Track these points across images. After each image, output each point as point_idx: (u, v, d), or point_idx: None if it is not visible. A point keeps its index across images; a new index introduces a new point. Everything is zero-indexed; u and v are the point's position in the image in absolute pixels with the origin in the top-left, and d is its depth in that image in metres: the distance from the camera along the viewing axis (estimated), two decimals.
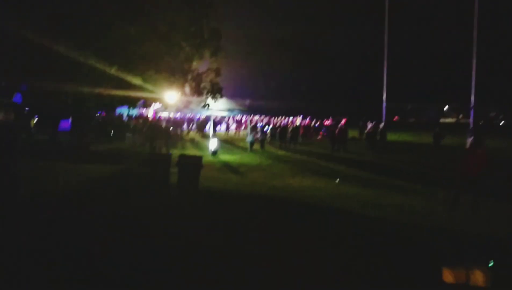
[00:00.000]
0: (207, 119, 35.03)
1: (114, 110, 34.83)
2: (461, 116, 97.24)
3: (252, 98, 45.04)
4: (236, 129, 36.50)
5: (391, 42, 29.38)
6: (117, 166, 14.32)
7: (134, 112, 33.17)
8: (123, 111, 34.31)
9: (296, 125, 29.38)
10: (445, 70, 76.84)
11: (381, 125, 26.79)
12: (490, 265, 5.44)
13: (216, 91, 16.99)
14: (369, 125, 27.76)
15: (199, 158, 9.34)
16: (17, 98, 23.82)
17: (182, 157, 9.33)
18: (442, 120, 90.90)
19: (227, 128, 35.60)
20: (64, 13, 13.80)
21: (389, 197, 10.86)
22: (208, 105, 17.15)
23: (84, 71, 14.34)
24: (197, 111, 21.23)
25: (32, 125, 22.23)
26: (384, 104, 27.15)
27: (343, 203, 9.85)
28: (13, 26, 13.57)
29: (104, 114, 27.73)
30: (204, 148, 23.27)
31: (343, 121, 31.43)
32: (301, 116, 38.54)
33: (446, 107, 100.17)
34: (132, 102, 16.34)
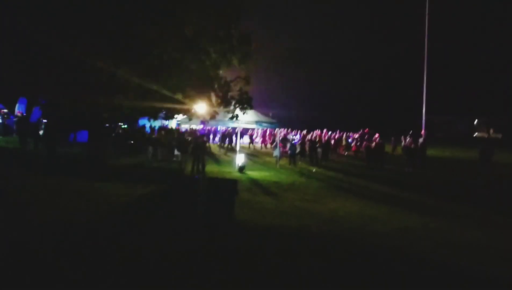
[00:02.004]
0: (231, 132, 33.49)
1: (137, 122, 33.83)
2: (492, 130, 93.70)
3: (277, 110, 43.48)
4: (261, 142, 34.79)
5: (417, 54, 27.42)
6: (133, 186, 12.58)
7: (156, 123, 31.89)
8: (146, 122, 33.15)
9: (327, 139, 27.45)
10: (475, 83, 73.92)
11: (421, 139, 24.61)
12: None
13: (245, 101, 15.32)
14: (406, 139, 25.73)
15: (234, 182, 7.47)
16: (21, 107, 22.87)
17: (213, 181, 7.55)
18: (473, 134, 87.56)
19: (251, 141, 33.94)
20: (78, 13, 12.47)
21: (456, 230, 8.96)
22: (237, 116, 15.47)
23: (101, 78, 12.93)
24: (223, 123, 19.57)
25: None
26: (424, 117, 24.99)
27: (411, 242, 7.97)
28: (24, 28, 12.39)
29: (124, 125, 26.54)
30: (228, 163, 21.66)
31: (376, 135, 29.41)
32: (325, 129, 36.54)
33: (476, 121, 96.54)
34: (153, 113, 14.80)
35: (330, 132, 35.21)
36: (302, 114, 60.74)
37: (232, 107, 15.39)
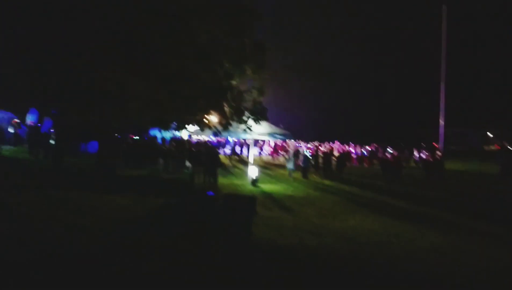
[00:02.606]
0: (242, 143, 33.02)
1: (148, 132, 33.50)
2: (505, 143, 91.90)
3: (288, 121, 42.94)
4: (271, 153, 34.24)
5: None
6: (142, 200, 12.06)
7: (167, 134, 31.53)
8: (157, 133, 32.81)
9: (341, 152, 26.80)
10: (487, 95, 72.78)
11: (438, 152, 23.83)
12: None
13: (259, 112, 14.82)
14: (421, 152, 25.07)
15: (252, 199, 6.84)
16: (32, 117, 22.67)
17: (229, 198, 6.92)
18: (486, 147, 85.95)
19: (261, 152, 33.46)
20: (89, 21, 12.17)
21: (491, 252, 8.24)
22: (250, 127, 14.96)
23: (111, 87, 12.55)
24: (236, 134, 19.07)
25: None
26: (442, 130, 24.22)
27: (445, 266, 7.30)
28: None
29: (132, 136, 26.22)
30: (240, 175, 21.11)
31: (389, 148, 28.74)
32: (338, 142, 35.95)
33: (489, 134, 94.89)
34: (164, 124, 14.35)
35: (342, 145, 34.65)
36: (314, 126, 60.17)
37: (245, 118, 14.88)
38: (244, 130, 15.27)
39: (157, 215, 9.26)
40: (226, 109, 14.67)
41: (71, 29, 12.82)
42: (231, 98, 14.97)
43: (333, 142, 36.14)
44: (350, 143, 35.79)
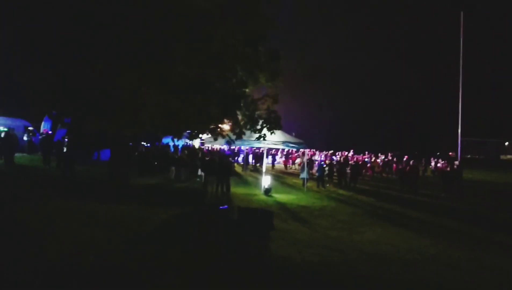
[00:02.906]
0: (256, 152, 32.74)
1: (160, 141, 33.44)
2: None
3: (302, 131, 42.58)
4: (284, 162, 33.88)
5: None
6: (153, 210, 11.79)
7: (180, 143, 31.42)
8: (169, 141, 32.73)
9: (356, 161, 26.32)
10: (504, 104, 71.42)
11: (456, 162, 23.24)
12: None
13: (273, 121, 14.52)
14: (439, 162, 24.46)
15: (269, 213, 6.42)
16: (47, 125, 22.72)
17: (244, 211, 6.54)
18: (502, 156, 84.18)
19: (274, 161, 33.12)
20: (101, 28, 12.07)
21: None
22: (265, 136, 14.65)
23: (123, 95, 12.40)
24: (249, 143, 18.80)
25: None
26: (460, 139, 23.64)
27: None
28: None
29: (147, 144, 26.14)
30: (253, 184, 20.80)
31: (405, 157, 28.19)
32: (352, 151, 35.41)
33: (506, 143, 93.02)
34: (177, 132, 14.14)
35: (358, 154, 34.11)
36: (326, 135, 59.70)
37: (259, 127, 14.60)
38: (258, 138, 14.96)
39: (168, 230, 8.94)
40: (240, 117, 14.41)
41: (85, 36, 12.75)
42: (244, 106, 14.71)
43: (347, 151, 35.65)
44: (366, 152, 35.27)
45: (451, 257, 8.37)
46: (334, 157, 30.41)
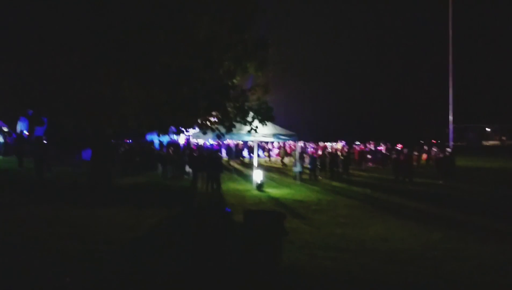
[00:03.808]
0: (243, 145, 31.98)
1: (144, 137, 32.31)
2: (504, 138, 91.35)
3: (289, 122, 41.84)
4: (276, 155, 33.18)
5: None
6: (141, 213, 10.84)
7: (164, 139, 30.36)
8: (154, 138, 31.63)
9: (349, 152, 25.75)
10: (486, 89, 72.09)
11: (448, 149, 22.87)
12: None
13: (264, 112, 13.72)
14: (432, 150, 24.14)
15: (280, 216, 5.47)
16: (23, 125, 21.56)
17: (251, 215, 5.62)
18: (484, 143, 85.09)
19: (269, 154, 32.36)
20: (77, 16, 11.07)
21: None
22: (256, 128, 13.85)
23: (103, 89, 11.45)
24: (239, 137, 18.00)
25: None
26: (451, 126, 23.24)
27: None
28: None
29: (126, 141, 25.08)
30: (244, 179, 20.02)
31: (399, 146, 27.80)
32: (343, 141, 34.97)
33: (488, 129, 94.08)
34: (162, 128, 13.23)
35: (343, 144, 33.60)
36: (312, 126, 59.25)
37: (250, 119, 13.78)
38: (249, 131, 14.15)
39: (161, 237, 8.05)
40: (230, 109, 13.56)
41: (60, 28, 11.72)
42: (233, 98, 13.86)
43: (336, 142, 35.19)
44: (356, 142, 34.85)
45: (470, 252, 7.70)
46: (327, 149, 29.85)
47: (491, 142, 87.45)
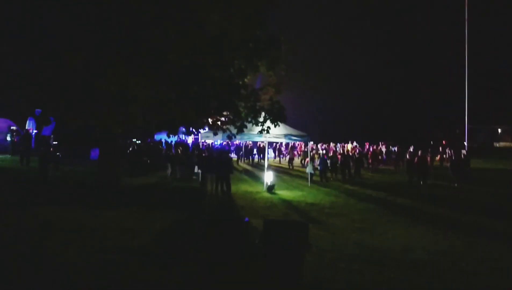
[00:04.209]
0: (253, 145, 31.54)
1: (152, 137, 32.03)
2: None
3: (302, 123, 41.27)
4: (286, 156, 32.67)
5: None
6: (150, 217, 10.40)
7: (173, 139, 30.03)
8: (163, 138, 31.31)
9: (361, 153, 25.21)
10: (494, 90, 70.84)
11: (464, 151, 22.20)
12: None
13: (277, 112, 13.28)
14: (447, 152, 23.52)
15: (303, 226, 4.96)
16: (32, 124, 21.35)
17: (271, 225, 5.11)
18: (496, 144, 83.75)
19: (279, 154, 31.82)
20: (85, 12, 10.73)
21: None
22: (269, 129, 13.41)
23: (112, 87, 11.11)
24: (250, 137, 17.58)
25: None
26: (467, 127, 22.57)
27: None
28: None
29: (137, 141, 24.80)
30: (253, 180, 19.60)
31: (411, 148, 27.17)
32: (354, 142, 34.31)
33: (499, 130, 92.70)
34: (172, 127, 12.86)
35: (353, 145, 32.99)
36: (325, 126, 58.66)
37: (261, 119, 13.35)
38: (260, 132, 13.71)
39: (172, 245, 7.57)
40: (241, 109, 13.15)
41: (69, 23, 11.40)
42: (244, 97, 13.44)
43: (347, 143, 34.59)
44: (367, 143, 34.19)
45: (504, 264, 7.17)
46: (339, 150, 29.30)
47: (502, 143, 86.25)
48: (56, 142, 21.43)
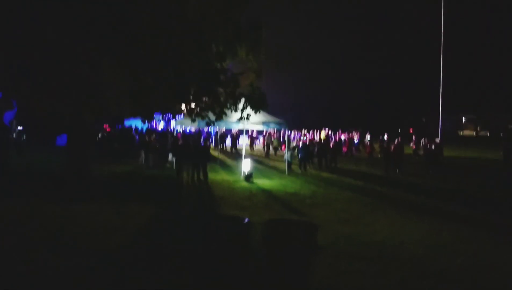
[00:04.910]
0: (226, 133, 30.90)
1: (122, 123, 30.87)
2: (478, 128, 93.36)
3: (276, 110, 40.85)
4: (262, 143, 32.21)
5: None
6: (125, 210, 9.64)
7: (138, 124, 29.00)
8: (133, 124, 30.23)
9: (338, 141, 25.12)
10: (459, 79, 73.04)
11: (437, 140, 22.51)
12: None
13: (257, 99, 12.76)
14: (421, 141, 23.83)
15: (311, 228, 4.43)
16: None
17: (273, 226, 4.56)
18: (459, 132, 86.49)
19: (252, 142, 31.28)
20: None
21: None
22: (249, 116, 12.88)
23: (82, 69, 10.28)
24: (227, 124, 17.03)
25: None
26: (441, 117, 22.85)
27: None
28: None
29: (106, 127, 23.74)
30: (229, 169, 19.10)
31: (385, 136, 27.39)
32: (327, 129, 34.27)
33: (463, 119, 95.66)
34: (147, 113, 12.15)
35: (326, 132, 32.95)
36: (301, 115, 58.72)
37: (241, 106, 12.82)
38: (240, 119, 13.17)
39: (154, 244, 6.87)
40: (220, 95, 12.57)
41: None
42: (224, 83, 12.84)
43: (318, 130, 34.46)
44: (339, 130, 34.22)
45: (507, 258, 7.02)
46: (315, 138, 29.11)
47: (466, 132, 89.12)
48: (21, 127, 20.16)
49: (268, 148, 27.57)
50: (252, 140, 31.40)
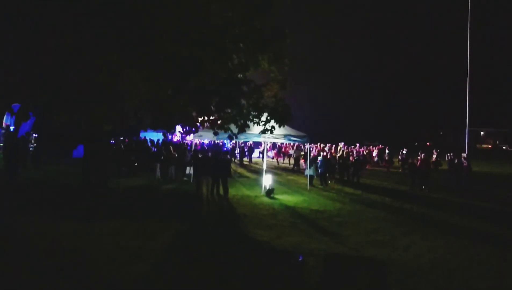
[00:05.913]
0: (243, 146, 30.38)
1: (138, 135, 30.51)
2: (497, 142, 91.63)
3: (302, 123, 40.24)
4: (275, 156, 31.60)
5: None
6: (146, 232, 9.07)
7: (154, 137, 28.61)
8: (148, 136, 29.85)
9: (362, 155, 24.33)
10: (477, 94, 71.61)
11: (464, 155, 21.51)
12: None
13: (281, 110, 12.16)
14: (449, 155, 22.93)
15: (379, 267, 3.73)
16: (9, 119, 19.79)
17: (335, 265, 3.77)
18: (478, 146, 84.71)
19: (263, 154, 30.70)
20: None
21: None
22: (272, 129, 12.27)
23: (101, 80, 9.85)
24: (249, 137, 16.47)
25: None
26: (467, 130, 21.92)
27: None
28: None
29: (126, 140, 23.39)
30: (249, 184, 18.44)
31: (404, 150, 26.52)
32: (342, 143, 33.45)
33: (482, 133, 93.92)
34: (168, 125, 11.64)
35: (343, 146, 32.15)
36: (323, 127, 57.97)
37: (265, 118, 12.23)
38: (262, 131, 12.56)
39: (181, 272, 6.08)
40: (243, 107, 12.01)
41: (50, 3, 10.05)
42: (247, 94, 12.29)
43: (335, 144, 33.70)
44: (357, 144, 33.39)
45: None
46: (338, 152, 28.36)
47: (484, 146, 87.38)
48: (36, 135, 19.83)
49: (298, 162, 26.79)
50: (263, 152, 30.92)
